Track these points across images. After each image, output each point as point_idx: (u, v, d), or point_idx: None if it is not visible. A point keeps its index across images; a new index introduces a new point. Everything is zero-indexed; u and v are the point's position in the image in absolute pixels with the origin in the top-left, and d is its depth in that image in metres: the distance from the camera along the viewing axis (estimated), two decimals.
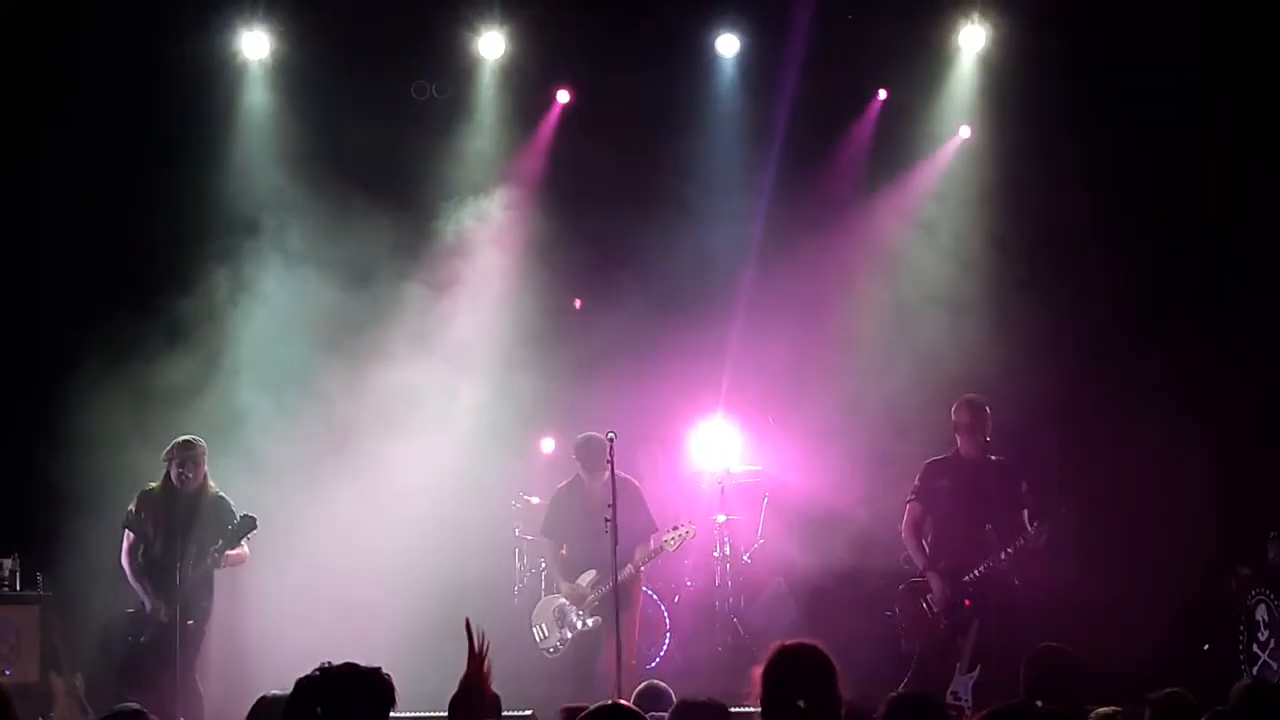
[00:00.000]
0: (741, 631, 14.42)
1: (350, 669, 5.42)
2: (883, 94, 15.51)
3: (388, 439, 14.05)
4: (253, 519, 12.01)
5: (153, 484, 12.32)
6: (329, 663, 5.44)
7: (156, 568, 12.09)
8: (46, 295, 14.43)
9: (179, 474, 12.15)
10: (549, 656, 13.41)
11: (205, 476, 12.25)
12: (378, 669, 5.44)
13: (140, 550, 12.20)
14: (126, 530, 12.24)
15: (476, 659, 5.69)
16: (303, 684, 5.40)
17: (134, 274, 14.13)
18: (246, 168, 15.02)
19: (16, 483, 13.76)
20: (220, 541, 11.96)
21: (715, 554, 14.70)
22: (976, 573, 11.82)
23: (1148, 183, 14.56)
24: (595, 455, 12.90)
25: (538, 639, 13.48)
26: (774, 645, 6.37)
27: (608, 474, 12.33)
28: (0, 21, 13.95)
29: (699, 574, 14.55)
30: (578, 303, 15.56)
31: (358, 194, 14.61)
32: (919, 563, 12.18)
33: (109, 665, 12.33)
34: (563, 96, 15.52)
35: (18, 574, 13.45)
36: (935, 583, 11.98)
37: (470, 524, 14.12)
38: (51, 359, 14.02)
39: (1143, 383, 14.36)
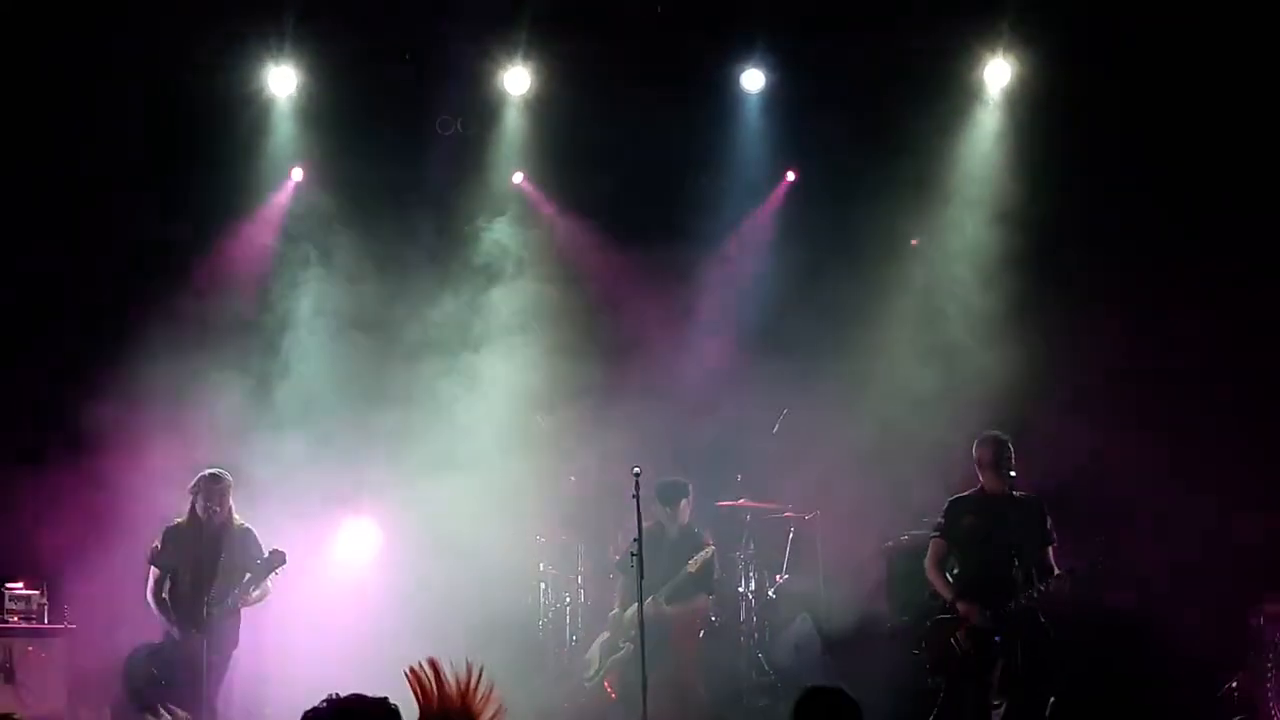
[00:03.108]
0: (766, 667, 14.38)
1: (357, 700, 5.37)
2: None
3: (412, 476, 14.08)
4: (282, 555, 12.10)
5: (178, 519, 12.41)
6: (336, 694, 5.40)
7: (184, 601, 12.20)
8: (78, 330, 14.47)
9: (205, 506, 12.27)
10: (587, 686, 13.56)
11: (230, 509, 12.33)
12: (384, 699, 5.39)
13: (167, 585, 12.29)
14: (151, 567, 12.34)
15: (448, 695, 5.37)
16: (309, 717, 5.36)
17: (162, 312, 14.14)
18: (270, 202, 15.11)
19: (45, 515, 13.80)
20: (248, 576, 12.06)
21: (740, 589, 14.67)
22: (1009, 607, 11.78)
23: (1177, 221, 14.52)
24: (668, 494, 13.55)
25: (587, 673, 13.64)
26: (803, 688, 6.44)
27: (686, 518, 13.46)
28: (28, 51, 14.05)
29: (724, 609, 14.51)
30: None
31: (382, 230, 14.70)
32: (945, 596, 12.14)
33: (131, 696, 12.37)
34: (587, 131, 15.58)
35: (45, 607, 13.50)
36: (966, 608, 11.91)
37: (495, 560, 14.13)
38: (78, 393, 14.05)
39: (1177, 420, 14.28)
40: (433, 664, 5.17)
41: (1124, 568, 13.20)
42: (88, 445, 13.93)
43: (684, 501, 13.67)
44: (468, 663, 5.23)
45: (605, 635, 13.78)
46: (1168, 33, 14.13)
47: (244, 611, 12.41)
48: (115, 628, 13.32)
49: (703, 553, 13.61)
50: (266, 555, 12.15)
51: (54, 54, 14.14)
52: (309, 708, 5.35)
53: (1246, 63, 14.03)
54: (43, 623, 13.48)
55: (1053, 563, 11.87)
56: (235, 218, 14.98)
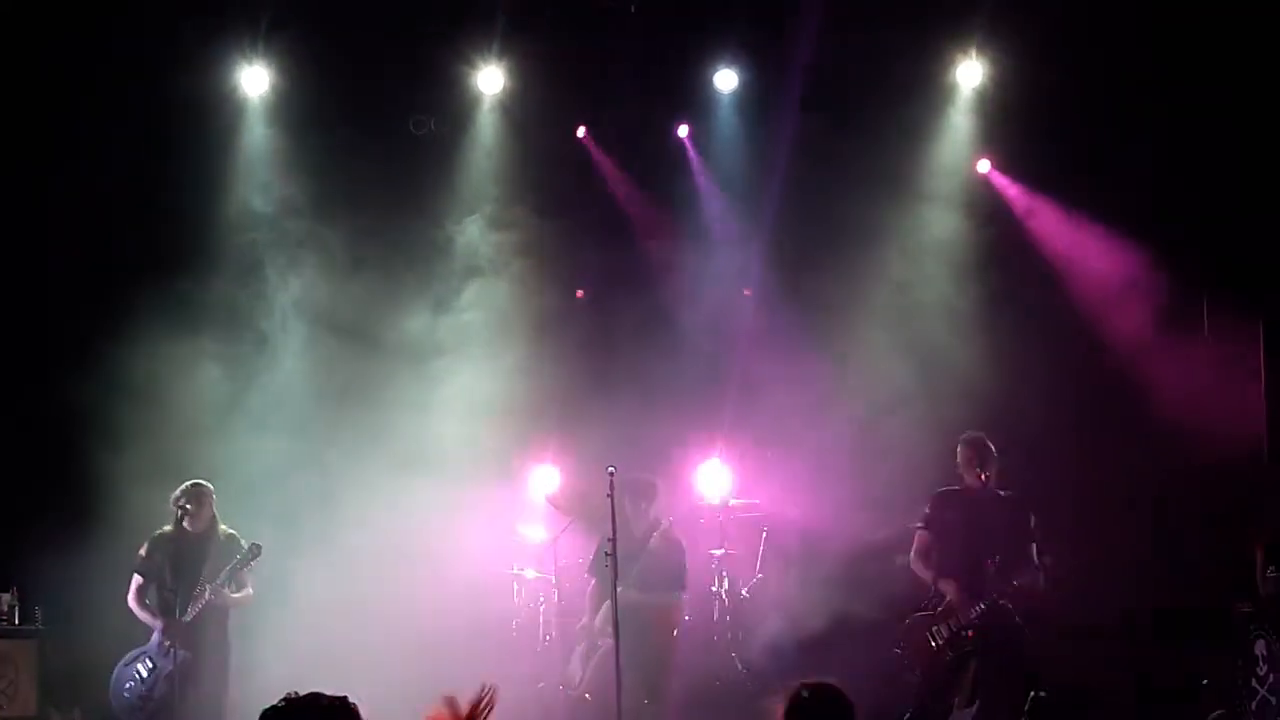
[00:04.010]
0: (740, 667, 14.36)
1: (314, 698, 5.38)
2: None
3: (384, 477, 14.04)
4: (258, 546, 12.23)
5: (165, 527, 12.46)
6: (294, 693, 5.41)
7: (169, 606, 12.23)
8: (55, 329, 14.42)
9: (185, 513, 12.29)
10: (573, 695, 13.51)
11: (214, 518, 12.36)
12: (344, 698, 5.40)
13: (151, 591, 12.34)
14: (135, 574, 12.40)
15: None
16: (267, 715, 5.37)
17: (137, 313, 14.08)
18: (245, 203, 15.06)
19: (17, 516, 13.76)
20: (227, 569, 12.10)
21: (713, 589, 14.65)
22: (980, 608, 11.83)
23: (1149, 217, 14.58)
24: (638, 491, 13.39)
25: (572, 682, 13.59)
26: (793, 685, 6.42)
27: (652, 515, 13.34)
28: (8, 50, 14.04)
29: (697, 609, 14.48)
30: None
31: (356, 230, 14.68)
32: (928, 578, 12.22)
33: (118, 704, 12.37)
34: (579, 131, 15.58)
35: (16, 608, 13.46)
36: (950, 588, 11.99)
37: (468, 560, 14.10)
38: (58, 394, 14.00)
39: (1144, 419, 14.34)
40: (448, 701, 5.17)
41: (1099, 564, 13.30)
42: (62, 443, 13.89)
43: (648, 502, 13.61)
44: (483, 686, 5.26)
45: (581, 646, 13.74)
46: (1139, 33, 14.20)
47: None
48: (88, 629, 13.30)
49: (660, 528, 13.54)
50: (245, 548, 12.24)
51: (36, 53, 14.13)
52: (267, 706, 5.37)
53: (1220, 60, 14.09)
54: (14, 623, 13.44)
55: (1035, 560, 11.95)
56: (210, 217, 14.92)
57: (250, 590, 12.46)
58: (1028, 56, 14.81)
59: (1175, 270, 14.47)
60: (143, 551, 12.50)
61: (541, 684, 13.97)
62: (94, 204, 14.40)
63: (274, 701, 5.38)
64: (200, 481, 12.54)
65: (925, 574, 12.25)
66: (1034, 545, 11.99)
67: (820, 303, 15.12)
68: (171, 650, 12.03)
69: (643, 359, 14.53)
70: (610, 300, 15.15)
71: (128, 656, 12.45)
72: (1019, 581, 11.78)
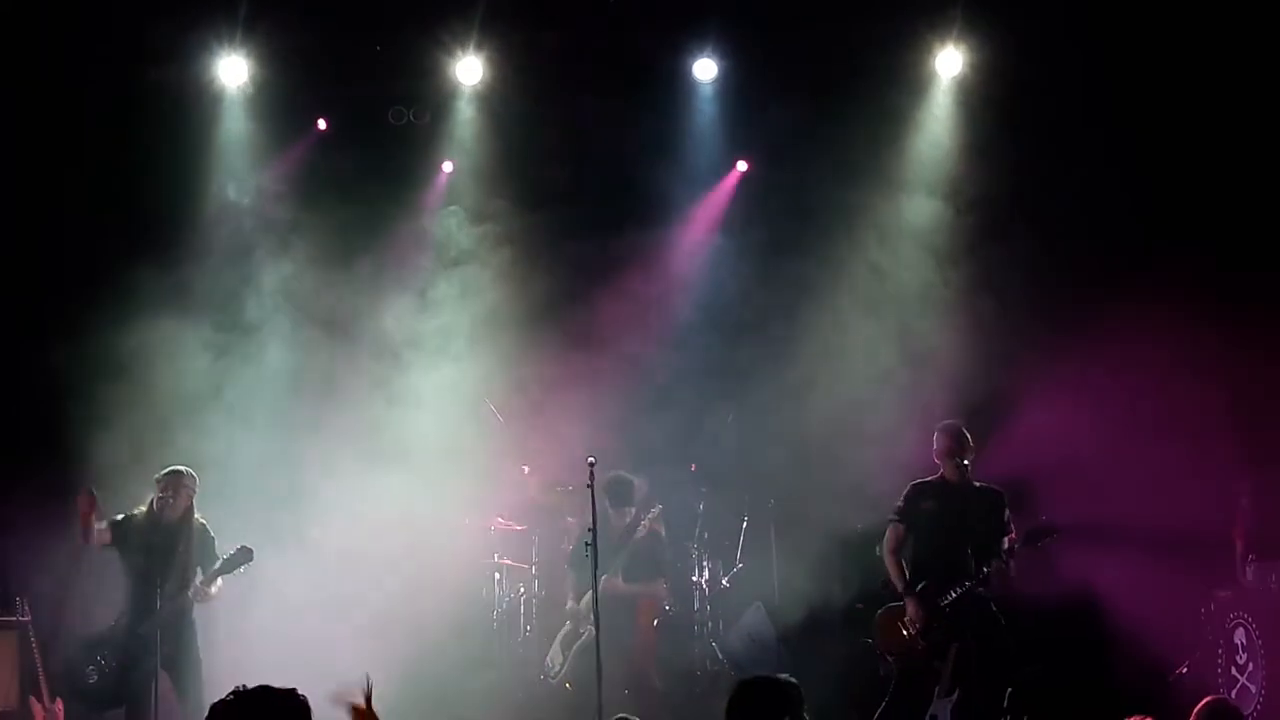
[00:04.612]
0: (720, 656, 14.40)
1: (263, 691, 5.43)
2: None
3: (364, 465, 14.04)
4: (249, 551, 12.10)
5: (139, 509, 12.39)
6: (243, 686, 5.45)
7: (135, 590, 12.18)
8: (39, 321, 14.39)
9: (159, 499, 12.27)
10: (552, 684, 13.52)
11: (190, 508, 12.31)
12: (293, 690, 5.44)
13: (106, 536, 12.28)
14: (104, 522, 12.35)
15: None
16: (217, 708, 5.42)
17: (119, 302, 14.06)
18: (223, 192, 15.04)
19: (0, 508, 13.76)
20: (215, 566, 12.07)
21: (694, 578, 14.68)
22: (953, 594, 11.85)
23: (1129, 206, 14.62)
24: (621, 494, 13.51)
25: (551, 670, 13.58)
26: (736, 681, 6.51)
27: (631, 514, 13.46)
28: None
29: (677, 598, 14.51)
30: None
31: (336, 222, 14.67)
32: (898, 585, 12.20)
33: (75, 692, 12.35)
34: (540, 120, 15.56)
35: None
36: (911, 606, 12.00)
37: (449, 550, 14.10)
38: (40, 382, 13.97)
39: (1133, 405, 14.37)
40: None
41: (1077, 552, 13.33)
42: (47, 430, 13.87)
43: (626, 502, 13.67)
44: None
45: (566, 629, 13.75)
46: (1117, 19, 14.21)
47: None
48: (70, 620, 13.28)
49: (652, 512, 13.56)
50: (235, 550, 12.14)
51: (27, 47, 14.13)
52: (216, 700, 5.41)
53: (1199, 47, 14.11)
54: None
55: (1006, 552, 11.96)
56: (189, 209, 14.90)
57: (219, 583, 12.37)
58: (1008, 45, 14.82)
59: (1157, 258, 14.48)
60: (115, 518, 12.40)
61: (522, 673, 14.02)
62: (83, 191, 14.37)
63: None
64: (180, 469, 12.45)
65: (895, 573, 12.23)
66: (1007, 538, 12.01)
67: (801, 288, 15.13)
68: (148, 640, 11.98)
69: (621, 350, 14.55)
70: (593, 291, 15.14)
71: (89, 638, 12.40)
72: (989, 570, 11.80)
